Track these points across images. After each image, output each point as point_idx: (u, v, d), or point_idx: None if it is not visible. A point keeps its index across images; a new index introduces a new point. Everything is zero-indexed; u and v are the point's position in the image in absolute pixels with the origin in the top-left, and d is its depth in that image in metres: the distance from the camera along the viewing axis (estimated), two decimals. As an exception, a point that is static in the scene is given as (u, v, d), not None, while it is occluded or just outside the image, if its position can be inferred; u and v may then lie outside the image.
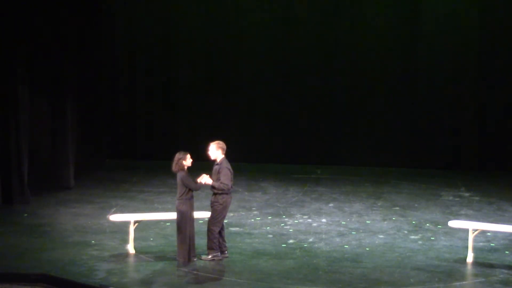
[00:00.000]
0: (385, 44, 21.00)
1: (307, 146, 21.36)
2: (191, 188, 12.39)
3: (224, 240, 12.83)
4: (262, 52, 21.34)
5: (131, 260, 12.70)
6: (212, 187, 12.51)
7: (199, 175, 12.48)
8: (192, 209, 12.50)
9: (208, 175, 12.51)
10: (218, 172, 12.55)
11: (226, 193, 12.55)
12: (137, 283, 11.61)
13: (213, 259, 12.58)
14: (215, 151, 12.69)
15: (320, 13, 21.16)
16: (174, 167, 12.47)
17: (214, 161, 12.71)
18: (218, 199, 12.56)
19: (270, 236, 14.28)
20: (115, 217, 13.50)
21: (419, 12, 20.89)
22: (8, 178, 16.06)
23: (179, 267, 12.30)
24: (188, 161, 12.49)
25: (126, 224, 13.24)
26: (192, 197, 12.47)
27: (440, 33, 20.74)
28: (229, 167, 12.61)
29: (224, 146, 12.72)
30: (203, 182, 12.46)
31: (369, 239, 14.12)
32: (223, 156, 12.67)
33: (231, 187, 12.60)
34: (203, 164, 13.49)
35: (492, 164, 20.70)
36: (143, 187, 18.26)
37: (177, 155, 12.50)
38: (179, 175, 12.42)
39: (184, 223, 12.41)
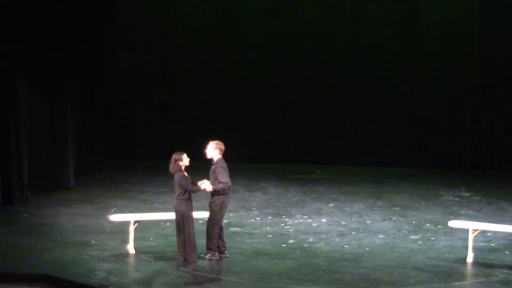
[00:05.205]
0: (385, 44, 20.95)
1: (307, 146, 21.33)
2: (188, 190, 12.36)
3: (223, 241, 12.83)
4: (262, 52, 21.29)
5: (131, 260, 12.70)
6: (214, 190, 12.50)
7: (197, 174, 12.47)
8: (190, 209, 12.48)
9: (208, 180, 12.50)
10: (214, 172, 12.55)
11: (223, 194, 12.54)
12: (137, 283, 11.61)
13: (211, 259, 12.59)
14: (213, 150, 12.65)
15: (321, 14, 21.13)
16: (171, 169, 12.46)
17: (211, 160, 12.70)
18: (215, 200, 12.55)
19: (270, 236, 14.27)
20: (115, 217, 13.50)
21: (420, 13, 20.86)
22: (8, 178, 16.05)
23: (179, 267, 12.30)
24: (185, 161, 12.46)
25: (126, 224, 13.24)
26: (190, 197, 12.45)
27: (440, 35, 20.71)
28: (225, 166, 12.58)
29: (223, 147, 12.69)
30: (202, 188, 12.45)
31: (369, 239, 14.12)
32: (220, 156, 12.66)
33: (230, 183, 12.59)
34: (203, 164, 13.46)
35: (492, 164, 20.70)
36: (143, 187, 18.25)
37: (174, 156, 12.47)
38: (176, 176, 12.41)
39: (184, 223, 12.40)
